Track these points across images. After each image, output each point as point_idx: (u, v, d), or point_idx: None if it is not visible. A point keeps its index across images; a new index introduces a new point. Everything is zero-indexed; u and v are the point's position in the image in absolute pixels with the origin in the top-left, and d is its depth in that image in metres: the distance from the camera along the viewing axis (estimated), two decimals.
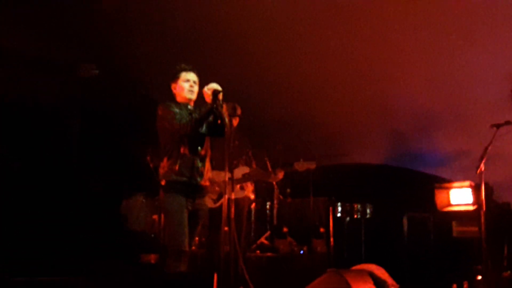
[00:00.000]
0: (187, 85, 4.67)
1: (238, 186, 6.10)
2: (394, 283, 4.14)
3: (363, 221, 7.86)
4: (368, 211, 7.94)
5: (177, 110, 4.59)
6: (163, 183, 4.59)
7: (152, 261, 6.57)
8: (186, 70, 4.73)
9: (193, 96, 4.68)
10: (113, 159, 7.92)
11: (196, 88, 4.69)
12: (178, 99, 4.73)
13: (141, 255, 6.73)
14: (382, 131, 8.83)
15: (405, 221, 7.84)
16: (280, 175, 6.42)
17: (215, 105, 4.50)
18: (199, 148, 4.68)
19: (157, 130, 4.71)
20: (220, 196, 5.91)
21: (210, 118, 4.62)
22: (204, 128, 4.65)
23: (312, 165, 6.54)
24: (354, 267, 4.33)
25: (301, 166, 6.45)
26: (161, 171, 4.66)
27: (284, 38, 7.48)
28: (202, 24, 7.29)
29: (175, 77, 4.74)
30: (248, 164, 6.45)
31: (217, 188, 5.87)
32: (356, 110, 8.64)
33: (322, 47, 7.79)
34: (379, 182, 8.60)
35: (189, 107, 4.68)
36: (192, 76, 4.72)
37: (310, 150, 7.36)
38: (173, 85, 4.76)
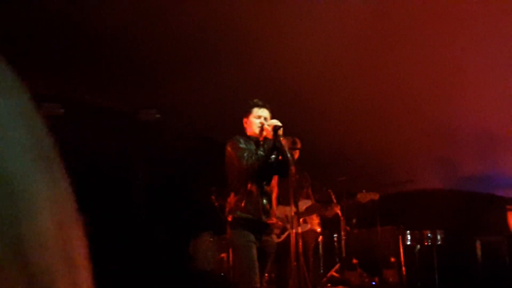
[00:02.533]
0: (257, 121, 4.72)
1: (301, 219, 6.10)
2: None
3: (434, 248, 7.69)
4: (439, 237, 7.77)
5: (245, 146, 4.64)
6: (229, 219, 4.63)
7: None
8: (258, 106, 4.78)
9: (264, 133, 4.70)
10: (179, 201, 8.02)
11: (267, 124, 4.71)
12: (248, 133, 4.78)
13: None
14: (446, 155, 8.71)
15: (478, 245, 7.67)
16: (337, 209, 6.44)
17: (276, 141, 4.57)
18: (265, 184, 4.71)
19: (225, 166, 4.76)
20: (284, 230, 5.94)
21: (275, 156, 4.66)
22: (270, 164, 4.69)
23: (376, 196, 6.53)
24: None
25: (364, 197, 6.44)
26: (227, 206, 4.71)
27: (338, 67, 7.48)
28: (260, 64, 7.38)
29: (247, 112, 4.80)
30: (308, 197, 6.47)
31: (279, 223, 5.89)
32: (416, 135, 8.53)
33: (378, 73, 7.75)
34: (448, 207, 8.43)
35: (258, 141, 4.72)
36: (264, 112, 4.76)
37: (374, 180, 7.32)
38: (244, 120, 4.81)
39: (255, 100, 4.82)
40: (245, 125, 4.81)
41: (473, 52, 7.18)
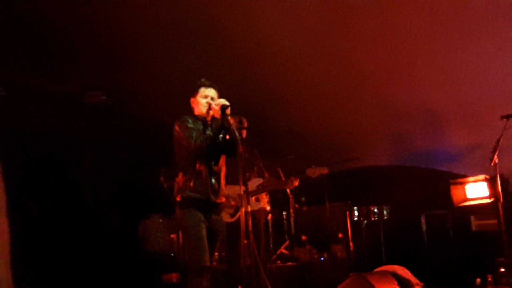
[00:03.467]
0: (204, 101, 4.70)
1: (253, 198, 6.12)
2: (418, 282, 4.14)
3: (381, 223, 7.85)
4: (385, 212, 7.95)
5: (193, 126, 4.62)
6: (178, 199, 4.62)
7: (174, 280, 6.59)
8: (205, 85, 4.76)
9: (211, 112, 4.68)
10: (127, 183, 7.96)
11: (213, 103, 4.66)
12: (196, 112, 4.76)
13: (163, 275, 6.75)
14: (392, 132, 8.83)
15: (423, 219, 7.85)
16: (296, 182, 6.43)
17: (224, 121, 4.56)
18: (213, 164, 4.71)
19: (173, 146, 4.75)
20: (237, 210, 5.94)
21: (222, 134, 4.66)
22: (218, 144, 4.68)
23: (325, 170, 6.56)
24: (376, 269, 4.33)
25: (313, 172, 6.47)
26: (176, 186, 4.68)
27: (289, 46, 7.48)
28: (206, 35, 7.33)
29: (194, 92, 4.78)
30: (260, 175, 6.48)
31: (232, 202, 5.90)
32: (363, 113, 8.63)
33: (327, 53, 7.78)
34: (393, 183, 8.58)
35: (205, 121, 4.68)
36: (211, 92, 4.75)
37: (322, 158, 7.38)
38: (192, 99, 4.79)
39: (202, 80, 4.80)
40: (192, 105, 4.80)
41: (420, 33, 7.28)
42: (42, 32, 6.87)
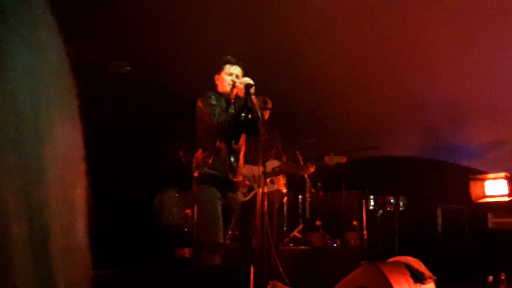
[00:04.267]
0: (229, 78, 4.69)
1: (268, 180, 6.10)
2: (431, 275, 4.09)
3: (396, 214, 7.82)
4: (401, 203, 7.90)
5: (216, 103, 4.61)
6: (196, 174, 4.64)
7: (187, 255, 6.63)
8: (231, 63, 4.75)
9: (235, 90, 4.66)
10: (146, 155, 7.98)
11: (238, 81, 4.67)
12: (219, 89, 4.74)
13: (176, 250, 6.78)
14: (415, 124, 8.78)
15: (439, 213, 7.81)
16: (312, 168, 6.43)
17: (248, 99, 4.53)
18: (234, 143, 4.71)
19: (195, 121, 4.75)
20: (250, 189, 5.94)
21: (244, 114, 4.63)
22: (239, 123, 4.66)
23: (343, 159, 6.55)
24: (390, 259, 4.29)
25: (331, 160, 6.46)
26: (194, 162, 4.71)
27: (316, 32, 7.43)
28: (237, 11, 7.30)
29: (219, 69, 4.76)
30: (278, 158, 6.48)
31: (247, 182, 5.90)
32: (387, 103, 8.59)
33: (354, 41, 7.74)
34: (412, 174, 8.54)
35: (228, 99, 4.67)
36: (236, 70, 4.73)
37: (342, 144, 7.35)
38: (216, 76, 4.79)
39: (228, 57, 4.78)
40: (217, 82, 4.79)
41: (448, 26, 7.21)
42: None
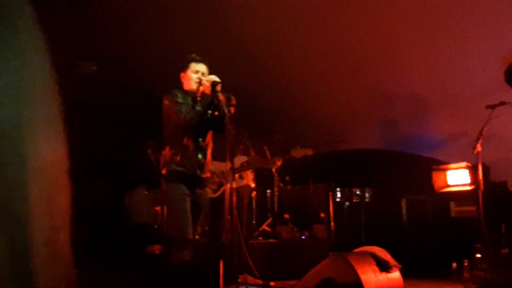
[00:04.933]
0: (195, 76, 4.70)
1: (237, 175, 6.13)
2: (397, 263, 4.16)
3: (362, 205, 7.90)
4: (367, 195, 7.99)
5: (183, 101, 4.63)
6: (164, 172, 4.65)
7: (157, 252, 6.61)
8: (196, 61, 4.76)
9: (201, 88, 4.67)
10: (115, 154, 7.93)
11: (204, 78, 4.69)
12: (185, 87, 4.74)
13: (146, 247, 6.76)
14: (379, 117, 8.87)
15: (403, 203, 7.90)
16: (279, 162, 6.48)
17: (214, 97, 4.55)
18: (201, 140, 4.72)
19: (162, 119, 4.74)
20: (220, 185, 5.95)
21: (210, 111, 4.65)
22: (206, 120, 4.68)
23: (309, 152, 6.58)
24: (356, 250, 4.35)
25: (297, 153, 6.49)
26: (162, 159, 4.71)
27: (280, 27, 7.45)
28: (202, 9, 7.26)
29: (184, 67, 4.76)
30: (246, 153, 6.50)
31: (216, 178, 5.91)
32: (352, 97, 8.65)
33: (318, 36, 7.77)
34: (377, 166, 8.64)
35: (195, 96, 4.68)
36: (202, 68, 4.75)
37: (308, 137, 7.39)
38: (182, 74, 4.79)
39: (193, 55, 4.79)
40: (182, 80, 4.79)
41: (408, 21, 7.29)
42: None
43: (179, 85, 4.80)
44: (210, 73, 4.75)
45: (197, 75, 4.70)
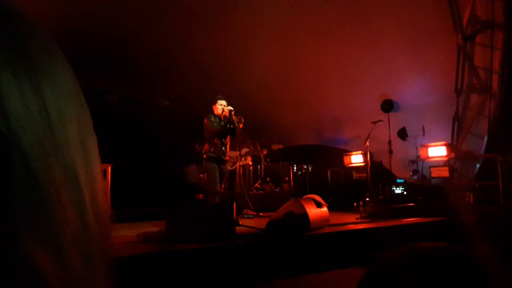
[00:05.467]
0: (220, 107, 4.71)
1: (243, 158, 6.12)
2: (325, 203, 4.16)
3: (307, 174, 7.90)
4: (309, 168, 8.00)
5: (214, 119, 4.62)
6: (204, 156, 4.65)
7: (201, 197, 6.60)
8: (220, 99, 4.76)
9: (223, 113, 4.69)
10: (180, 149, 7.87)
11: (224, 108, 4.69)
12: (215, 113, 4.74)
13: (196, 196, 6.75)
14: (315, 126, 8.85)
15: (329, 173, 7.90)
16: (264, 152, 6.50)
17: (230, 118, 4.58)
18: (224, 140, 4.73)
19: (204, 129, 4.72)
20: (234, 163, 5.95)
21: (228, 125, 4.67)
22: (226, 130, 4.70)
23: (281, 146, 6.61)
24: (304, 196, 4.35)
25: (275, 147, 6.52)
26: (203, 150, 4.72)
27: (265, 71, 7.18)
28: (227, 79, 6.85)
29: (214, 102, 4.74)
30: (247, 147, 6.49)
31: (232, 160, 5.91)
32: (300, 114, 8.59)
33: (292, 75, 7.48)
34: (314, 154, 8.64)
35: (220, 117, 4.70)
36: (223, 102, 4.74)
37: (280, 138, 7.38)
38: (213, 106, 4.77)
39: (218, 96, 4.81)
40: (214, 109, 4.79)
41: (332, 68, 7.19)
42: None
43: (212, 111, 4.81)
44: (229, 103, 4.77)
45: (222, 107, 4.73)
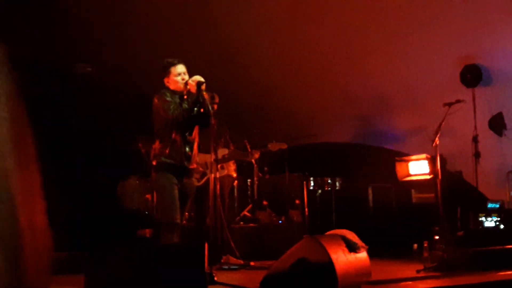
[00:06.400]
0: (179, 78, 4.71)
1: (219, 166, 6.10)
2: (364, 244, 4.16)
3: (333, 193, 7.92)
4: (337, 183, 8.01)
5: (171, 99, 4.62)
6: (154, 163, 4.69)
7: (147, 235, 6.59)
8: (174, 64, 4.74)
9: (187, 87, 4.68)
10: (108, 148, 7.87)
11: (186, 77, 4.69)
12: (172, 88, 4.73)
13: (137, 231, 6.74)
14: (347, 114, 8.89)
15: (370, 191, 7.92)
16: (256, 155, 6.53)
17: (199, 96, 4.55)
18: (187, 134, 4.75)
19: (152, 115, 4.74)
20: (203, 175, 5.96)
21: (196, 108, 4.66)
22: (192, 116, 4.69)
23: (284, 146, 6.63)
24: (327, 233, 4.33)
25: (273, 146, 6.54)
26: (152, 152, 4.75)
27: (258, 32, 7.46)
28: (185, 14, 7.25)
29: (166, 72, 4.72)
30: (226, 146, 6.50)
31: (200, 168, 5.92)
32: (323, 96, 8.69)
33: (294, 41, 7.80)
34: (346, 158, 8.66)
35: (182, 95, 4.71)
36: (181, 68, 4.73)
37: (284, 131, 7.40)
38: (166, 80, 4.78)
39: (169, 60, 4.78)
40: (167, 84, 4.80)
41: (372, 28, 7.33)
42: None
43: (165, 87, 4.79)
44: (193, 73, 4.73)
45: (180, 77, 4.70)
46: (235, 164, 6.66)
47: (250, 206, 7.08)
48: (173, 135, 4.63)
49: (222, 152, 6.33)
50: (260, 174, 7.31)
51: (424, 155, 7.10)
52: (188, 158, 4.72)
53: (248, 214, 6.96)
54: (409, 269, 4.91)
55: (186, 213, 5.17)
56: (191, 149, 4.77)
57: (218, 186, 4.90)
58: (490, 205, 6.40)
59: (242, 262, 5.71)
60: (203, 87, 4.59)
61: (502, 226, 5.99)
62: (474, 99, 7.13)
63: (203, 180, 5.87)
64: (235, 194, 6.97)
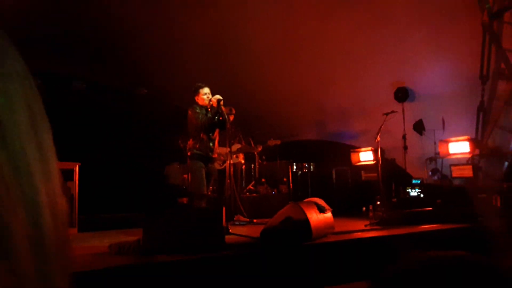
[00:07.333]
0: (205, 97, 4.73)
1: (234, 156, 6.14)
2: (329, 207, 4.18)
3: (309, 173, 7.93)
4: (312, 167, 8.03)
5: (199, 111, 4.65)
6: (189, 153, 4.69)
7: (185, 201, 6.59)
8: (202, 87, 4.77)
9: (210, 103, 4.72)
10: (159, 144, 7.88)
11: (210, 96, 4.73)
12: (200, 104, 4.77)
13: (178, 199, 6.74)
14: (317, 119, 8.87)
15: (333, 172, 7.93)
16: (259, 148, 6.53)
17: (219, 109, 4.59)
18: (211, 134, 4.76)
19: (187, 122, 4.76)
20: (224, 162, 5.97)
21: (217, 117, 4.70)
22: (214, 122, 4.72)
23: (278, 142, 6.65)
24: (305, 200, 4.36)
25: (271, 142, 6.56)
26: (187, 147, 4.76)
27: (256, 56, 7.31)
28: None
29: (196, 93, 4.77)
30: (239, 142, 6.52)
31: (221, 157, 5.94)
32: (301, 107, 8.63)
33: (284, 72, 7.68)
34: (317, 150, 8.67)
35: (207, 108, 4.75)
36: (207, 90, 4.75)
37: (277, 132, 7.41)
38: (196, 97, 4.81)
39: (199, 84, 4.83)
40: (197, 100, 4.80)
41: (337, 60, 7.26)
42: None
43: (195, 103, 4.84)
44: (215, 93, 4.78)
45: (206, 96, 4.75)
46: (243, 155, 6.70)
47: (253, 182, 7.11)
48: (201, 135, 4.67)
49: (236, 146, 6.37)
50: (260, 161, 7.33)
51: (370, 148, 7.14)
52: (212, 150, 4.78)
53: (252, 187, 7.00)
54: (360, 224, 4.91)
55: (211, 187, 5.20)
56: (213, 144, 4.82)
57: (232, 169, 4.93)
58: (414, 181, 6.43)
59: (248, 220, 5.75)
60: (222, 103, 4.65)
61: (422, 195, 6.03)
62: (403, 110, 7.14)
63: (223, 166, 5.91)
64: (243, 174, 7.00)
